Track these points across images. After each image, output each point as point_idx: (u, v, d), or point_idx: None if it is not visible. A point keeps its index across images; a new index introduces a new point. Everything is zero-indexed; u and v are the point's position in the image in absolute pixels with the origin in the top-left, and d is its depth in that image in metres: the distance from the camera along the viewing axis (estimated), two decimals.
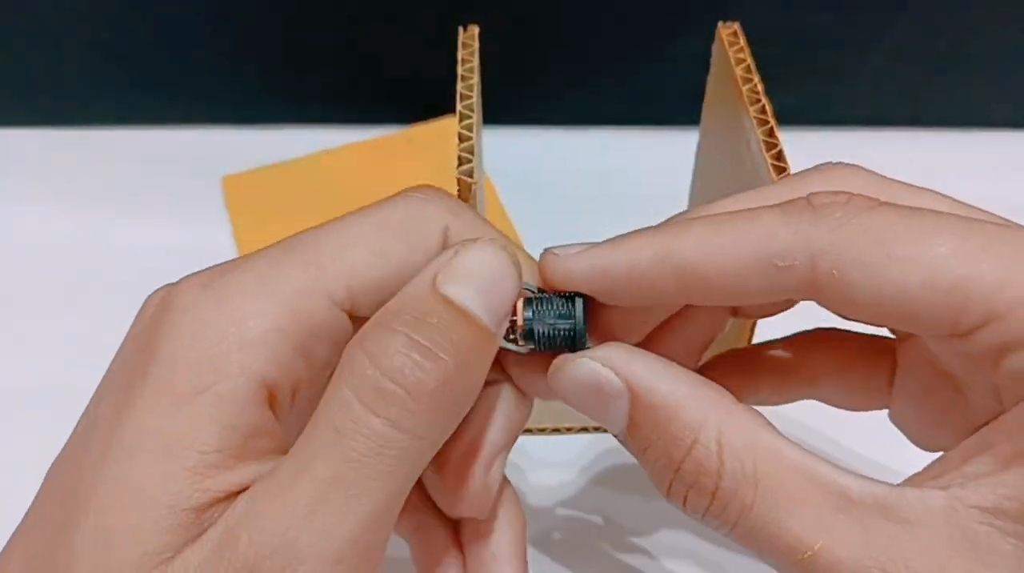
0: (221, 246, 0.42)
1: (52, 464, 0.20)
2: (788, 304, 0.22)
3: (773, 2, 0.43)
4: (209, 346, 0.18)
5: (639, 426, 0.19)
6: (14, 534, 0.19)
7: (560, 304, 0.19)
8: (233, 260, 0.20)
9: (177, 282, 0.20)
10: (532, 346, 0.19)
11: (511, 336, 0.19)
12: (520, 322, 0.19)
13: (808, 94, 0.47)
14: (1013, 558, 0.16)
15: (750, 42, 0.45)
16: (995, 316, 0.16)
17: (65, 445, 0.20)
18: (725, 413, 0.18)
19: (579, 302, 0.19)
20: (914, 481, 0.17)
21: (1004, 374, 0.17)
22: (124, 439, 0.17)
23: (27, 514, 0.19)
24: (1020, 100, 0.47)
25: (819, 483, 0.17)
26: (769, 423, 0.18)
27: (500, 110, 0.47)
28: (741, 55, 0.27)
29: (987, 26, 0.44)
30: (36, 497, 0.20)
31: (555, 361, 0.19)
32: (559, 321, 0.19)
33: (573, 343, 0.19)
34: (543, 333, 0.19)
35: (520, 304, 0.19)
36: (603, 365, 0.19)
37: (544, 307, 0.19)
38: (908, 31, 0.44)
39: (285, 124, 0.49)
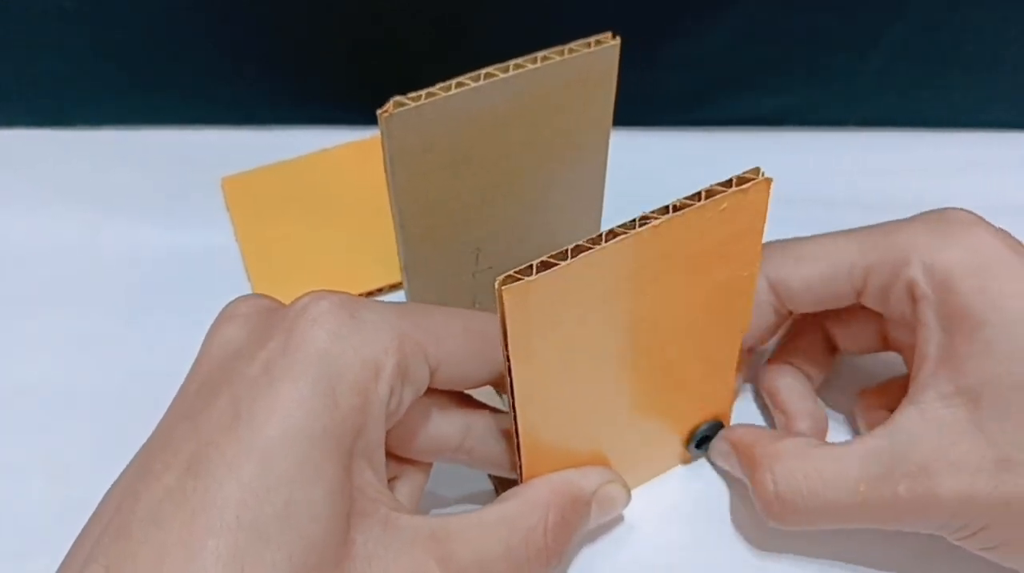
0: (221, 246, 0.42)
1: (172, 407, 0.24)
2: (879, 346, 0.33)
3: (773, 2, 0.43)
4: (347, 364, 0.23)
5: (746, 465, 0.30)
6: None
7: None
8: (356, 296, 0.25)
9: (305, 295, 0.24)
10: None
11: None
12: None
13: (808, 94, 0.47)
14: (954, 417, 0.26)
15: (750, 42, 0.45)
16: (868, 272, 0.29)
17: (189, 382, 0.24)
18: (769, 443, 0.29)
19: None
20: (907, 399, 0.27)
21: (892, 318, 0.30)
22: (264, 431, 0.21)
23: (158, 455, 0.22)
24: (1020, 100, 0.47)
25: (831, 457, 0.27)
26: (813, 440, 0.29)
27: None
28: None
29: (987, 26, 0.44)
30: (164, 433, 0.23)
31: (711, 445, 0.32)
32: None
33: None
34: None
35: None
36: (721, 439, 0.31)
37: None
38: (908, 31, 0.44)
39: (285, 125, 0.49)
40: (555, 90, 0.28)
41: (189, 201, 0.44)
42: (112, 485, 0.23)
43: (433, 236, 0.30)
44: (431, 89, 0.26)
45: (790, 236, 0.42)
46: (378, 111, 0.26)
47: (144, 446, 0.23)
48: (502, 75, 0.27)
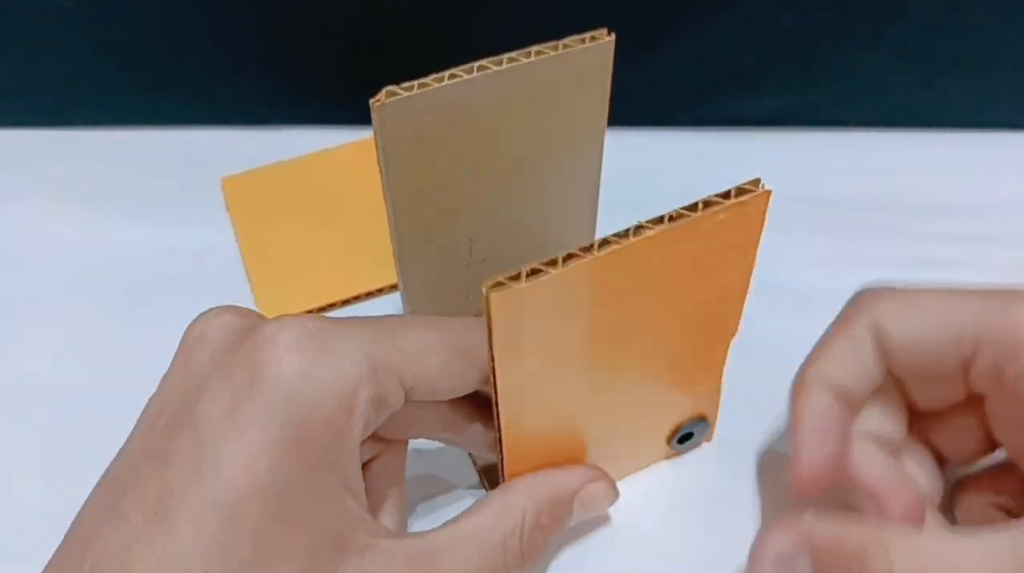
0: (221, 247, 0.42)
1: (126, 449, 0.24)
2: (986, 449, 0.28)
3: (772, 2, 0.43)
4: (318, 402, 0.22)
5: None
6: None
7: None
8: (327, 319, 0.24)
9: (274, 321, 0.24)
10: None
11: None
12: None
13: (808, 94, 0.47)
14: None
15: (749, 42, 0.45)
16: (981, 342, 0.24)
17: (141, 428, 0.24)
18: (878, 536, 0.23)
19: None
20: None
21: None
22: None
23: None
24: (1020, 100, 0.47)
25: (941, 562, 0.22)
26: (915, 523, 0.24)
27: None
28: None
29: (987, 26, 0.44)
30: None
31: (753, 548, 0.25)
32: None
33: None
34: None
35: None
36: (786, 536, 0.24)
37: None
38: (908, 31, 0.44)
39: (285, 125, 0.49)
40: (548, 85, 0.28)
41: (189, 201, 0.44)
42: (78, 516, 0.23)
43: (426, 227, 0.30)
44: (424, 80, 0.26)
45: (790, 236, 0.42)
46: (371, 100, 0.26)
47: (109, 475, 0.23)
48: (495, 68, 0.27)
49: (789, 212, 0.44)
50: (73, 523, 0.22)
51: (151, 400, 0.24)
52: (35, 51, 0.45)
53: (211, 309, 0.25)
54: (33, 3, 0.43)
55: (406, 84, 0.26)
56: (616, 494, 0.30)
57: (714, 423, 0.32)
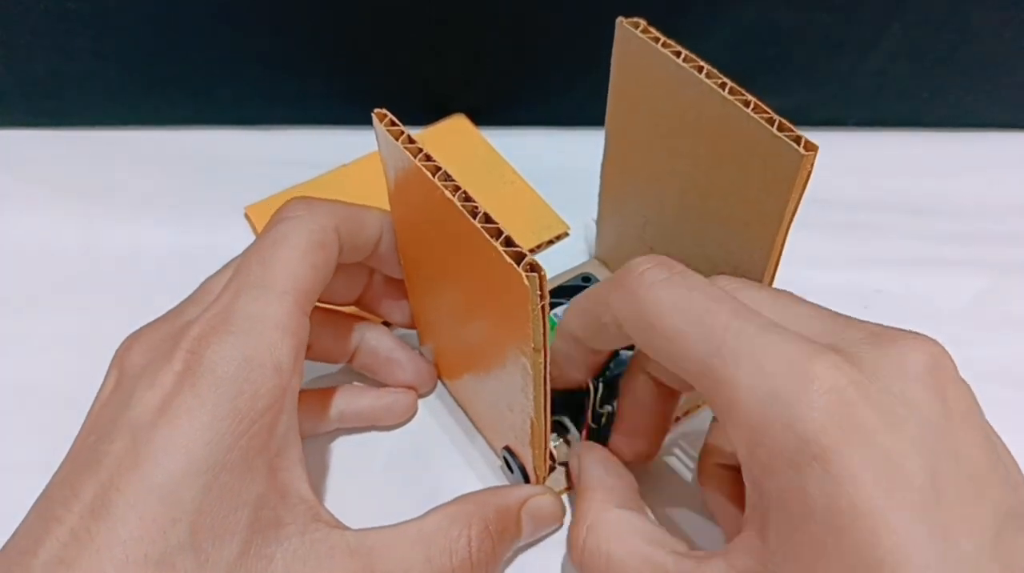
0: (221, 246, 0.42)
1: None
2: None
3: (772, 2, 0.43)
4: (245, 377, 0.23)
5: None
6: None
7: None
8: (228, 299, 0.25)
9: (198, 319, 0.25)
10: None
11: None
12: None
13: (807, 94, 0.47)
14: None
15: (749, 42, 0.45)
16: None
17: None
18: (600, 511, 0.27)
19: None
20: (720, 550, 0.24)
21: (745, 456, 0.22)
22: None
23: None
24: (1019, 101, 0.47)
25: (651, 561, 0.24)
26: (637, 515, 0.27)
27: (502, 112, 0.47)
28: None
29: (986, 27, 0.44)
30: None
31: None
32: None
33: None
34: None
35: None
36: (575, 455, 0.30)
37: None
38: (907, 31, 0.44)
39: (286, 125, 0.49)
40: (744, 147, 0.27)
41: (189, 201, 0.44)
42: (14, 532, 0.23)
43: (623, 169, 0.33)
44: (667, 40, 0.28)
45: (789, 236, 0.42)
46: (619, 19, 0.28)
47: (46, 490, 0.23)
48: (719, 91, 0.26)
49: None
50: (7, 542, 0.23)
51: (82, 427, 0.25)
52: (36, 51, 0.45)
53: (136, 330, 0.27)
54: (34, 3, 0.43)
55: (648, 28, 0.28)
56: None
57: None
